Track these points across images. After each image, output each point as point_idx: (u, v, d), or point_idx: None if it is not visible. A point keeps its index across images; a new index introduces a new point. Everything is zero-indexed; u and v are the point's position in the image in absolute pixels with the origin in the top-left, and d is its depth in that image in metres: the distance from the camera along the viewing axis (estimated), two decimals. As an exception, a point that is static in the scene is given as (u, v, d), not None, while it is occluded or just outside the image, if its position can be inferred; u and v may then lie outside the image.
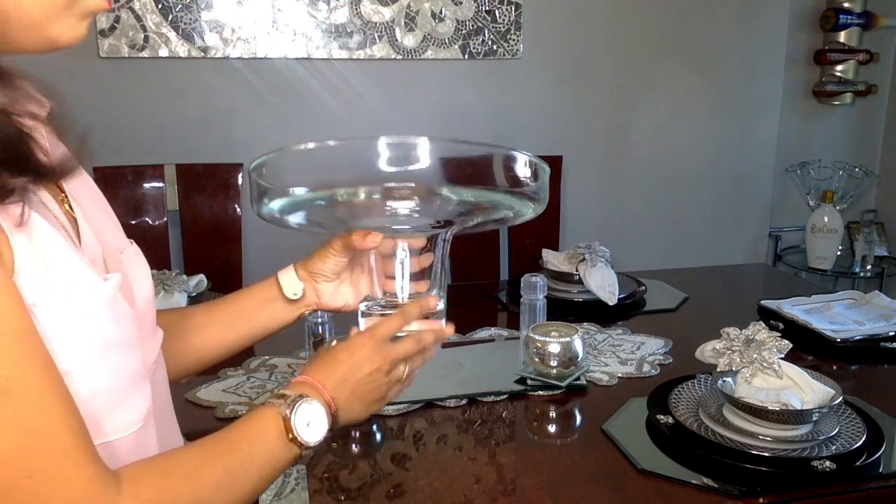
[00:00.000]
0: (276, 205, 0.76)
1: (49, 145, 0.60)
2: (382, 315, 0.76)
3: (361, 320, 0.79)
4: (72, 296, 0.54)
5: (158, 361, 0.71)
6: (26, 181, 0.51)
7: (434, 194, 0.73)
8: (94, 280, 0.56)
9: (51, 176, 0.56)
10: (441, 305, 0.77)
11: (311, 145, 0.72)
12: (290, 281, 0.85)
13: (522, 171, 0.80)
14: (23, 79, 0.57)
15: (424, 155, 0.72)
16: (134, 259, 0.69)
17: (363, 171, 0.73)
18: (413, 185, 0.72)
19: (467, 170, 0.75)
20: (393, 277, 0.78)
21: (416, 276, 0.80)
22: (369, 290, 0.80)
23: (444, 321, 0.78)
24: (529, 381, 1.24)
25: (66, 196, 0.62)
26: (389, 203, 0.72)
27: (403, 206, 0.72)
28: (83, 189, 0.66)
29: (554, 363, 1.22)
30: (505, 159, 0.80)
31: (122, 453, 0.59)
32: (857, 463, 0.96)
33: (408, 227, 0.73)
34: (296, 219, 0.79)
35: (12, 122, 0.52)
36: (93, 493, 0.52)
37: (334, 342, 0.77)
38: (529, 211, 0.79)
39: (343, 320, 1.29)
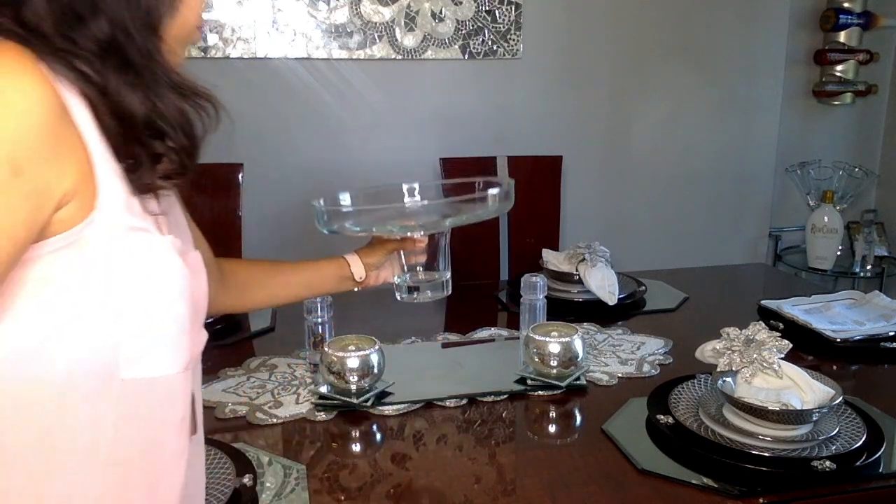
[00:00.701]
0: (343, 225, 1.10)
1: None
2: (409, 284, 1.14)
3: (396, 291, 1.15)
4: (139, 241, 0.59)
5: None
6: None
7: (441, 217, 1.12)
8: (161, 231, 0.63)
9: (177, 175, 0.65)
10: (447, 275, 1.14)
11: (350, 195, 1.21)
12: (357, 267, 1.13)
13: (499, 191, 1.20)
14: None
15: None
16: (196, 264, 0.72)
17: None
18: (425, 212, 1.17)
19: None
20: (412, 262, 1.14)
21: (429, 258, 1.14)
22: (398, 271, 1.15)
23: (449, 285, 1.14)
24: (529, 381, 1.24)
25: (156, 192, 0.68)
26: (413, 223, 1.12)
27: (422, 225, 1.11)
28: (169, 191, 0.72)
29: (554, 363, 1.22)
30: (484, 184, 1.20)
31: (158, 392, 0.62)
32: (857, 463, 0.96)
33: (422, 232, 1.10)
34: (356, 229, 1.11)
35: (193, 123, 0.63)
36: None
37: None
38: (502, 209, 1.18)
39: (343, 321, 1.30)
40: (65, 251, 0.55)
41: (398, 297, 1.14)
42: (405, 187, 1.21)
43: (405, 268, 1.14)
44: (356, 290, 1.14)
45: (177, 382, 0.64)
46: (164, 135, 0.60)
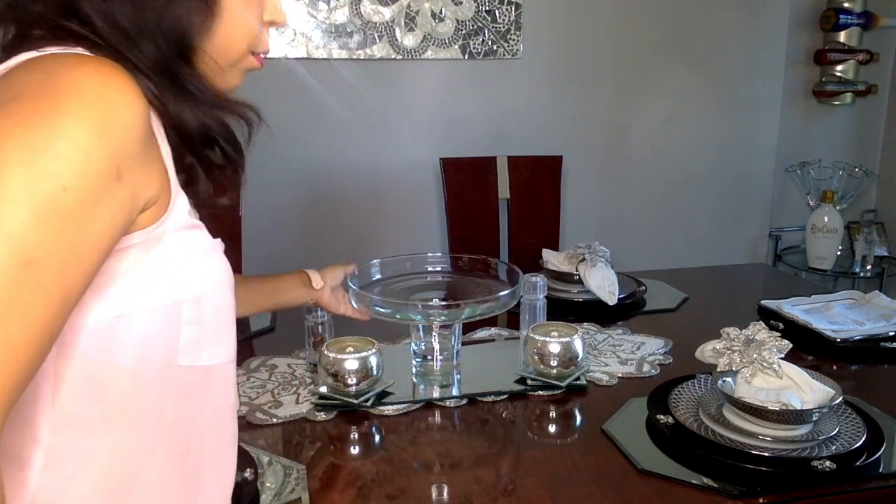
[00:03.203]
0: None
1: None
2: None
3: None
4: (199, 239, 0.65)
5: None
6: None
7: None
8: (213, 243, 0.69)
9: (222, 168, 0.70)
10: None
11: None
12: (316, 277, 1.23)
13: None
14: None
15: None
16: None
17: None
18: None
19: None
20: None
21: None
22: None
23: None
24: (529, 381, 1.24)
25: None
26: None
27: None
28: None
29: (554, 363, 1.22)
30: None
31: (213, 380, 0.68)
32: (857, 463, 0.96)
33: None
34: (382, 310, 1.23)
35: (234, 133, 0.68)
36: None
37: None
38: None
39: (343, 322, 1.30)
40: (138, 248, 0.59)
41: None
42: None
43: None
44: (310, 301, 1.24)
45: (228, 371, 0.70)
46: (215, 145, 0.66)
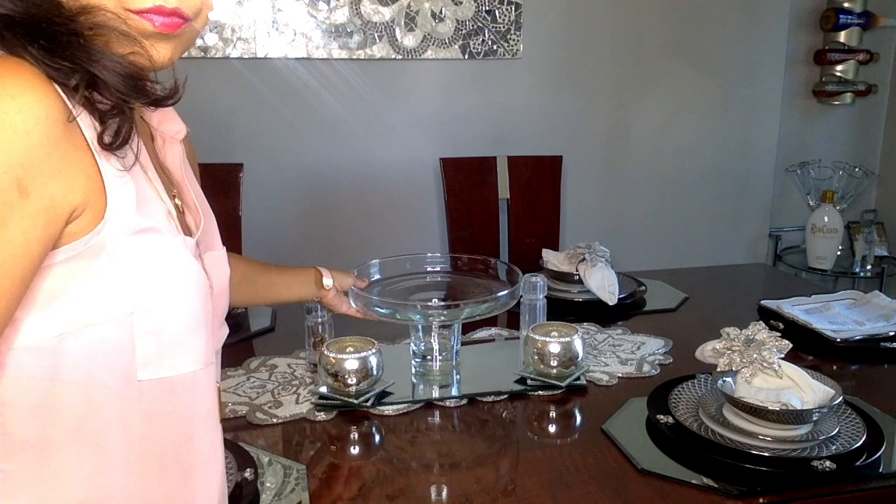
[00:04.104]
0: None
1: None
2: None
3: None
4: (148, 243, 0.60)
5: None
6: (145, 104, 0.60)
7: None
8: (174, 233, 0.63)
9: (163, 101, 0.62)
10: None
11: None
12: (328, 277, 1.24)
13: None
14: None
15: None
16: (216, 263, 0.75)
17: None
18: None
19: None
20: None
21: None
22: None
23: None
24: (529, 381, 1.24)
25: (177, 192, 0.71)
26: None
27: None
28: (194, 191, 0.74)
29: (554, 363, 1.22)
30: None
31: (180, 390, 0.64)
32: (857, 463, 0.96)
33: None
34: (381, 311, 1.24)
35: (126, 58, 0.58)
36: None
37: None
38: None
39: (343, 321, 1.30)
40: (74, 260, 0.55)
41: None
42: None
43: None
44: (315, 299, 1.25)
45: (198, 379, 0.65)
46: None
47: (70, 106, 0.54)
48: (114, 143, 0.57)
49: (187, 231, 0.69)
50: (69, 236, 0.55)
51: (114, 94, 0.56)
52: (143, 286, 0.59)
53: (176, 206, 0.68)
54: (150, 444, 0.63)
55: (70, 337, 0.56)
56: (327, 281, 1.23)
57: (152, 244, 0.60)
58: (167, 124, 0.72)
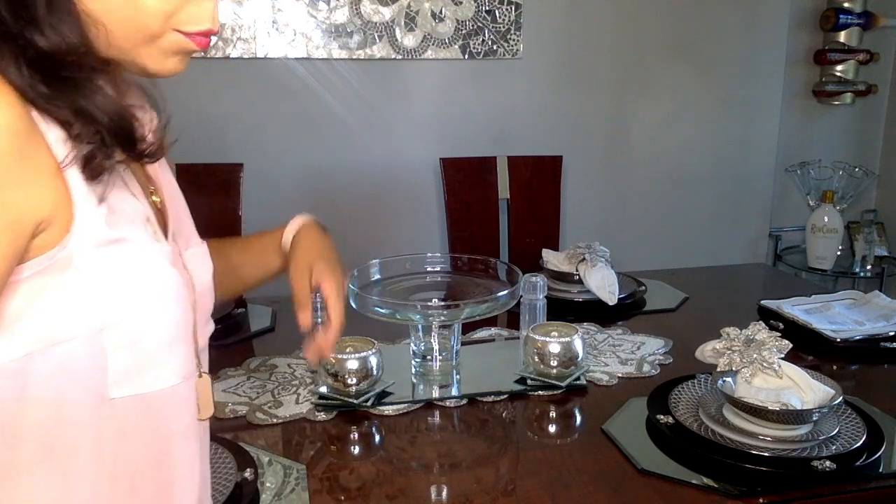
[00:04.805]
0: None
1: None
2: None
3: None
4: (119, 255, 0.57)
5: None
6: (127, 157, 0.59)
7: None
8: (150, 240, 0.61)
9: (150, 156, 0.61)
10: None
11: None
12: (287, 237, 0.98)
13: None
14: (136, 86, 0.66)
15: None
16: (197, 259, 0.72)
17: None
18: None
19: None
20: None
21: None
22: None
23: None
24: (529, 381, 1.24)
25: (154, 189, 0.68)
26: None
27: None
28: (168, 186, 0.71)
29: (554, 363, 1.22)
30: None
31: (156, 407, 0.61)
32: (857, 463, 0.96)
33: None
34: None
35: (122, 103, 0.58)
36: None
37: None
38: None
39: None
40: (41, 276, 0.53)
41: None
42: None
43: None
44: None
45: (177, 393, 0.63)
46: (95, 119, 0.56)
47: (35, 118, 0.53)
48: (84, 171, 0.55)
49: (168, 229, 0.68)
50: (35, 250, 0.53)
51: (98, 131, 0.55)
52: (114, 300, 0.56)
53: (154, 204, 0.66)
54: (122, 464, 0.60)
55: (38, 356, 0.54)
56: (286, 243, 0.98)
57: (124, 255, 0.57)
58: (139, 114, 0.67)
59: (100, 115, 0.55)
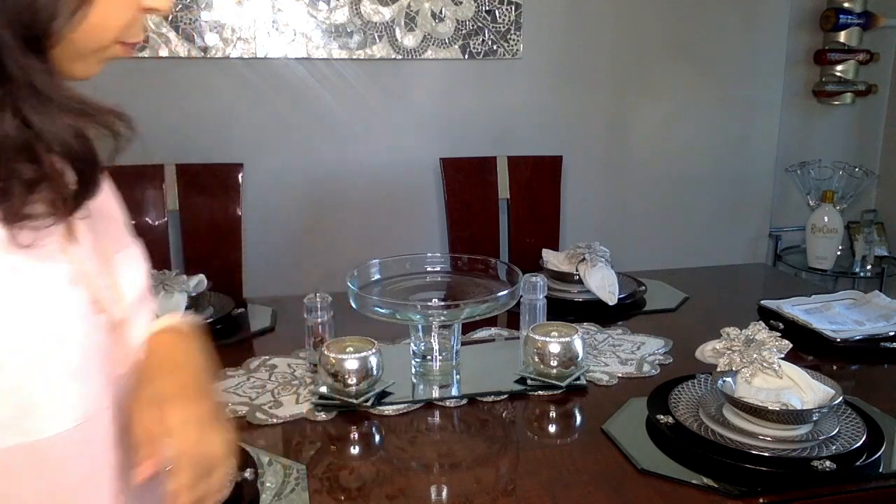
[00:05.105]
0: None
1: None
2: None
3: None
4: (4, 284, 0.51)
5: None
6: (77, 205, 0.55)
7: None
8: (53, 257, 0.54)
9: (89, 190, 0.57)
10: None
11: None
12: None
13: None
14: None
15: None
16: (129, 262, 0.66)
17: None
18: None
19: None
20: None
21: None
22: None
23: None
24: (529, 381, 1.24)
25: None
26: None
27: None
28: None
29: (554, 363, 1.22)
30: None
31: (48, 456, 0.53)
32: (857, 463, 0.96)
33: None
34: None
35: (92, 147, 0.55)
36: None
37: None
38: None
39: (343, 321, 1.30)
40: None
41: None
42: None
43: None
44: None
45: (88, 432, 0.55)
46: (43, 159, 0.52)
47: None
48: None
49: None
50: None
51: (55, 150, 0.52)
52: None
53: None
54: None
55: None
56: None
57: (10, 286, 0.50)
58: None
59: (59, 132, 0.53)
